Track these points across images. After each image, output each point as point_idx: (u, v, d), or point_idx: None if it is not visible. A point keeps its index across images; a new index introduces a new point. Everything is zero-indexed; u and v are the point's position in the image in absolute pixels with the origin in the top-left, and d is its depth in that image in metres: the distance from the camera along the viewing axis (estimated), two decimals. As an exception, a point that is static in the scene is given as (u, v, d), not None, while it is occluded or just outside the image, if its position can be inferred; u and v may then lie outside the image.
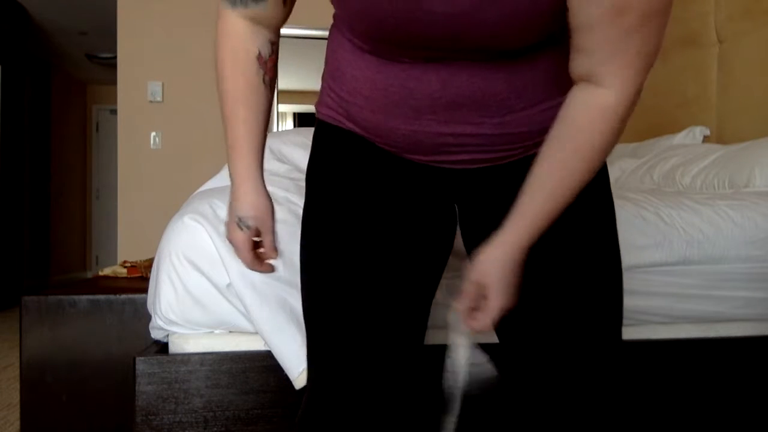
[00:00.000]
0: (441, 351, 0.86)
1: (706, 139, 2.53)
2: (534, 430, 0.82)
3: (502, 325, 0.82)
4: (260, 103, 0.82)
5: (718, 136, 2.48)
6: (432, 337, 0.95)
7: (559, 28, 0.65)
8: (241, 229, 0.82)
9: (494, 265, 0.72)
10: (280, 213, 1.32)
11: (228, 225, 0.84)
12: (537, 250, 0.75)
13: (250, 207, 0.82)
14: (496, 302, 0.72)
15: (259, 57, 0.81)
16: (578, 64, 0.65)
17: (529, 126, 0.74)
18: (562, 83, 0.70)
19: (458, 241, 0.92)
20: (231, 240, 0.84)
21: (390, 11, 0.64)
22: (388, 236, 0.81)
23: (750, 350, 1.43)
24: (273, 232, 0.85)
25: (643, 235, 1.40)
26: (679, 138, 2.55)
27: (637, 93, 0.64)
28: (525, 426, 0.83)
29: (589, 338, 0.78)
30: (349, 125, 0.82)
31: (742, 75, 2.36)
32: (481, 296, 0.73)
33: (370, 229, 0.80)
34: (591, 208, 0.79)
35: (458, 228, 0.90)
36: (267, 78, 0.82)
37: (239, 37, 0.79)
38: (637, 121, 3.13)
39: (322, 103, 0.86)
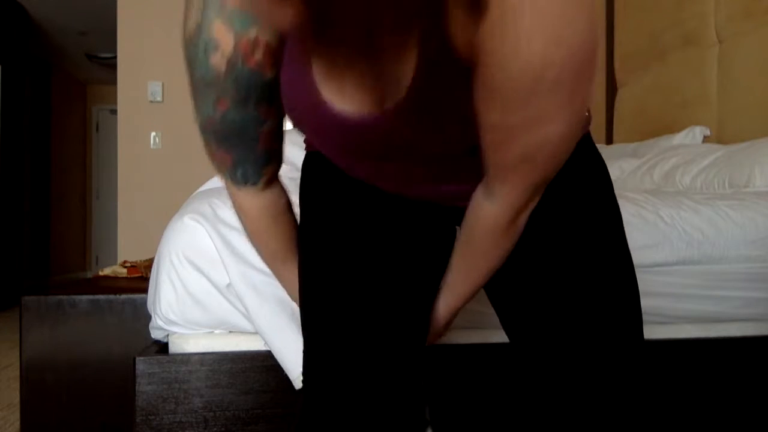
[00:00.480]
0: (441, 351, 0.87)
1: (706, 139, 2.52)
2: (550, 429, 0.82)
3: (513, 326, 0.84)
4: (295, 236, 0.87)
5: (718, 136, 2.48)
6: (453, 337, 0.95)
7: None
8: None
9: (441, 313, 0.85)
10: (280, 213, 1.32)
11: None
12: (545, 253, 0.76)
13: None
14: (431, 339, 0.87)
15: (289, 207, 0.85)
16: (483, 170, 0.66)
17: None
18: None
19: None
20: None
21: (344, 140, 0.66)
22: (388, 241, 0.81)
23: (750, 350, 1.43)
24: None
25: (643, 235, 1.40)
26: (679, 138, 2.55)
27: (524, 209, 0.67)
28: (540, 425, 0.83)
29: (604, 337, 0.78)
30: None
31: (742, 75, 2.36)
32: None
33: (368, 235, 0.81)
34: (597, 210, 0.79)
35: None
36: (290, 206, 0.86)
37: (269, 209, 0.81)
38: (637, 121, 3.14)
39: (308, 143, 0.90)
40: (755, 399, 1.42)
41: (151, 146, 3.76)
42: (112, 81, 6.69)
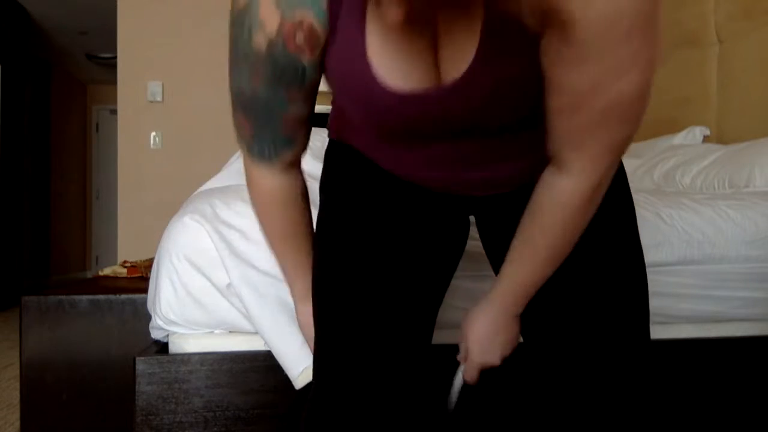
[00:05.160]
0: (446, 350, 0.87)
1: (706, 139, 2.52)
2: (560, 427, 0.82)
3: (528, 324, 0.83)
4: (308, 232, 0.86)
5: (718, 136, 2.48)
6: (438, 337, 0.95)
7: None
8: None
9: (476, 324, 0.79)
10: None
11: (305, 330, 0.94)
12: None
13: None
14: (475, 359, 0.81)
15: (304, 197, 0.84)
16: (548, 146, 0.65)
17: (538, 166, 0.76)
18: None
19: (469, 243, 0.93)
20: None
21: (400, 125, 0.66)
22: (399, 241, 0.81)
23: (750, 350, 1.43)
24: None
25: (643, 235, 1.40)
26: (679, 138, 2.55)
27: (601, 182, 0.65)
28: (551, 424, 0.83)
29: (616, 337, 0.78)
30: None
31: (742, 75, 2.36)
32: (466, 350, 0.81)
33: (380, 234, 0.81)
34: (612, 209, 0.79)
35: (469, 232, 0.91)
36: (307, 203, 0.85)
37: (282, 192, 0.80)
38: (637, 121, 3.14)
39: (334, 129, 0.87)
40: (755, 399, 1.42)
41: (151, 146, 3.76)
42: (112, 81, 6.68)
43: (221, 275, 1.27)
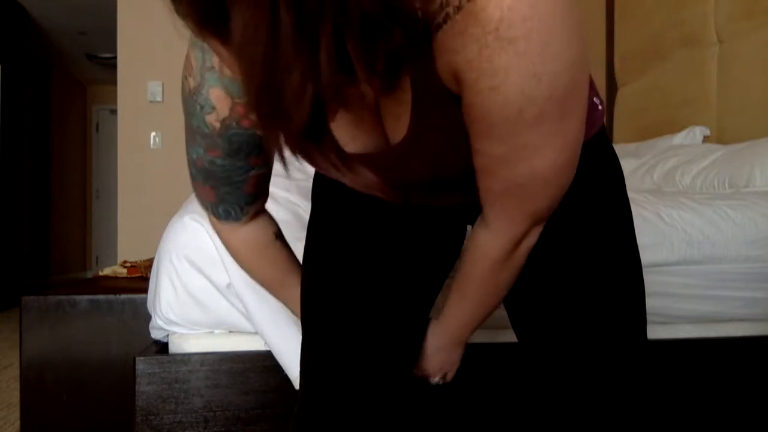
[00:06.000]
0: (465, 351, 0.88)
1: (706, 139, 2.52)
2: (558, 427, 0.82)
3: (521, 326, 0.83)
4: (297, 264, 0.87)
5: (718, 136, 2.48)
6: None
7: None
8: None
9: (428, 336, 0.85)
10: (280, 213, 1.32)
11: None
12: (556, 251, 0.76)
13: None
14: (418, 363, 0.86)
15: (277, 236, 0.84)
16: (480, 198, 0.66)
17: None
18: None
19: None
20: None
21: (357, 181, 0.66)
22: (391, 247, 0.81)
23: (750, 350, 1.43)
24: None
25: (643, 235, 1.40)
26: (679, 138, 2.55)
27: (520, 242, 0.65)
28: (547, 424, 0.83)
29: (611, 338, 0.78)
30: None
31: (742, 75, 2.36)
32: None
33: (371, 241, 0.81)
34: (609, 209, 0.79)
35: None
36: (284, 239, 0.86)
37: (254, 241, 0.81)
38: (637, 121, 3.14)
39: None
40: (755, 399, 1.42)
41: (151, 146, 3.76)
42: (112, 81, 6.68)
43: (221, 275, 1.27)
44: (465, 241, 0.73)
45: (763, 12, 2.26)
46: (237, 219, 0.77)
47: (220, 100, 0.62)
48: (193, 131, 0.67)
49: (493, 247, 0.67)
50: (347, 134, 0.62)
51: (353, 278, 0.79)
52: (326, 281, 0.80)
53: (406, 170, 0.64)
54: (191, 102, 0.64)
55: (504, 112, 0.50)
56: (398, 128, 0.59)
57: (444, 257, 0.87)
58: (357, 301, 0.79)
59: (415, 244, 0.83)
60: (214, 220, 0.78)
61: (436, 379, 0.89)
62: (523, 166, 0.55)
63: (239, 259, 0.83)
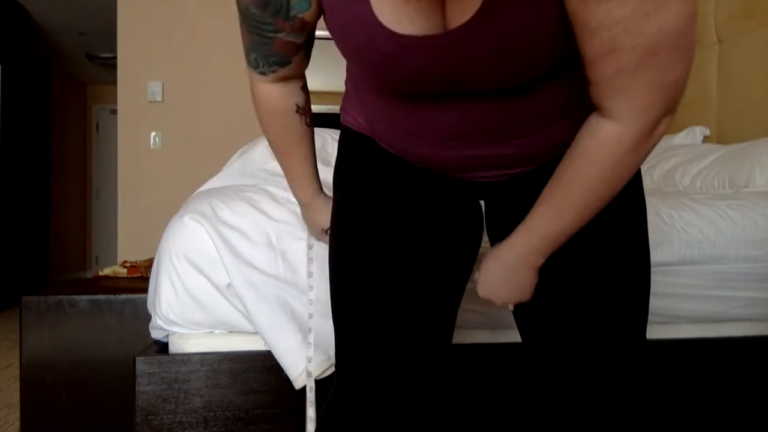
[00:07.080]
0: (466, 351, 0.87)
1: (706, 139, 2.53)
2: (558, 426, 0.82)
3: (526, 323, 0.83)
4: (307, 144, 0.91)
5: (718, 136, 2.48)
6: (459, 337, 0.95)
7: (569, 57, 0.63)
8: (326, 233, 1.00)
9: (493, 267, 0.77)
10: (280, 213, 1.32)
11: (318, 235, 1.04)
12: (568, 250, 0.75)
13: (327, 218, 0.98)
14: (480, 292, 0.80)
15: (298, 110, 0.86)
16: (590, 94, 0.62)
17: (547, 145, 0.75)
18: (577, 103, 0.70)
19: (485, 241, 0.93)
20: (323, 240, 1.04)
21: (403, 75, 0.65)
22: (417, 237, 0.81)
23: (750, 350, 1.43)
24: None
25: (643, 235, 1.40)
26: (679, 138, 2.55)
27: (650, 126, 0.60)
28: (550, 422, 0.83)
29: (614, 336, 0.78)
30: (375, 139, 0.85)
31: (742, 75, 2.36)
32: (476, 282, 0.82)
33: (398, 230, 0.81)
34: (622, 207, 0.78)
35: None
36: (308, 120, 0.89)
37: (275, 100, 0.84)
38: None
39: (347, 111, 0.89)
40: (755, 399, 1.42)
41: (151, 146, 3.76)
42: (112, 81, 6.69)
43: (221, 275, 1.27)
44: (576, 142, 0.64)
45: (763, 12, 2.26)
46: (263, 73, 0.79)
47: None
48: None
49: (625, 137, 0.60)
50: (402, 10, 0.59)
51: (381, 263, 0.80)
52: (355, 263, 0.81)
53: (461, 62, 0.60)
54: None
55: None
56: (466, 7, 0.56)
57: (467, 237, 0.87)
58: (389, 278, 0.79)
59: (437, 222, 0.83)
60: (247, 66, 0.81)
61: (511, 308, 0.83)
62: (652, 25, 0.51)
63: (258, 111, 0.86)
